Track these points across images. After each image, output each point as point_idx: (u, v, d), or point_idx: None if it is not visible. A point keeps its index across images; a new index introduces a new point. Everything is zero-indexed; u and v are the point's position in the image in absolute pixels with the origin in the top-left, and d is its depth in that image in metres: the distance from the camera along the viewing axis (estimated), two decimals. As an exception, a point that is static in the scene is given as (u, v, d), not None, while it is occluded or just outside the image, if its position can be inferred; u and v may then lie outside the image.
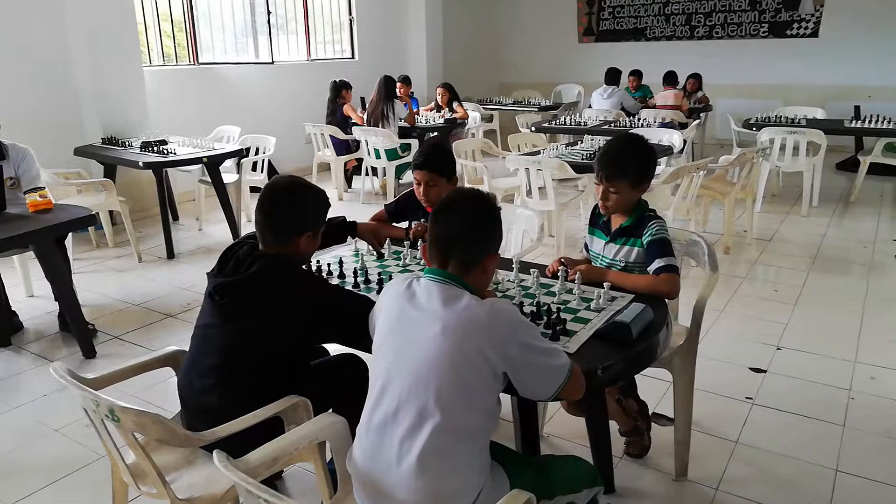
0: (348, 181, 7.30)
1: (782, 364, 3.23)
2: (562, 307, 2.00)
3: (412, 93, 8.53)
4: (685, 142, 6.40)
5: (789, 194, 6.54)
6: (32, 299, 4.22)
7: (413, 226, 2.78)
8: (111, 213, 5.20)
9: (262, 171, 5.84)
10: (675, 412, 2.41)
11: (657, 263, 2.14)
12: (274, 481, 2.18)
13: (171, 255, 5.05)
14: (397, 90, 7.03)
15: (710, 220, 5.52)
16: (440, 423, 1.39)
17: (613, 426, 2.47)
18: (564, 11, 10.76)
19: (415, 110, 7.39)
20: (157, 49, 6.76)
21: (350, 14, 8.80)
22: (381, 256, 2.54)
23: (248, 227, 5.90)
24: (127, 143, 5.37)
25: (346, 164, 7.10)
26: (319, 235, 1.93)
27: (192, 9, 6.89)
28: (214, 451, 1.33)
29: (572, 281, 2.11)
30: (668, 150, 5.42)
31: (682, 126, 6.88)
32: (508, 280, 2.25)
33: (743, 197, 5.10)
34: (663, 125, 6.45)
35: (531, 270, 2.20)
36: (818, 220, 5.78)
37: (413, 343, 1.46)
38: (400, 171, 6.74)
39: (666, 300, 2.20)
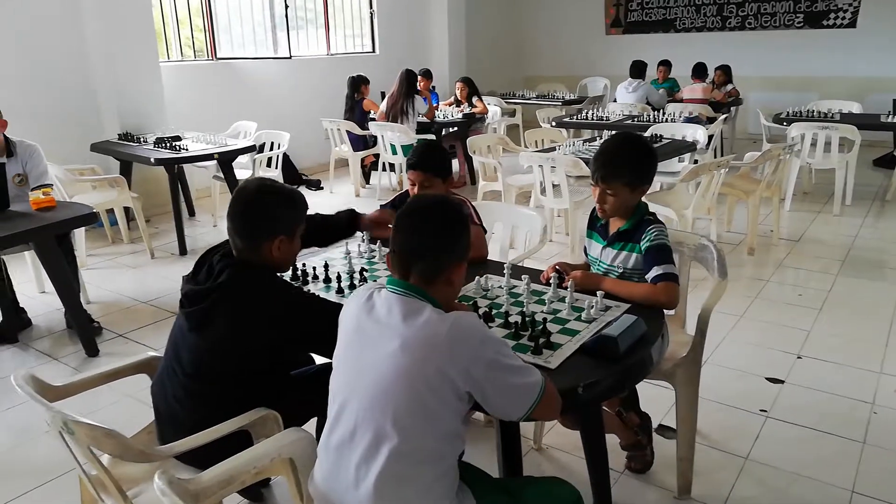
0: (366, 177, 7.24)
1: (802, 374, 3.06)
2: (550, 317, 1.89)
3: (433, 87, 8.45)
4: (711, 137, 6.18)
5: (822, 192, 6.26)
6: (44, 296, 4.24)
7: None
8: (127, 209, 5.22)
9: (276, 167, 5.80)
10: (677, 427, 2.27)
11: (655, 271, 2.02)
12: (260, 489, 2.11)
13: (183, 251, 5.04)
14: (418, 84, 6.93)
15: (735, 220, 5.31)
16: (398, 446, 1.30)
17: (614, 439, 2.36)
18: (591, 2, 10.52)
19: (434, 105, 7.29)
20: (176, 44, 6.77)
21: (371, 7, 8.72)
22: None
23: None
24: (142, 139, 5.38)
25: (363, 159, 7.03)
26: (297, 240, 1.85)
27: (211, 3, 6.88)
28: (157, 473, 1.25)
29: (566, 288, 2.00)
30: (691, 147, 5.23)
31: (711, 121, 6.65)
32: (499, 286, 2.14)
33: (769, 195, 4.88)
34: (689, 120, 6.24)
35: (522, 276, 2.09)
36: (851, 219, 5.52)
37: (370, 360, 1.37)
38: (417, 167, 6.63)
39: (665, 310, 2.09)
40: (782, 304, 3.88)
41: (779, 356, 3.23)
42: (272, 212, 1.77)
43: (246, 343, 1.69)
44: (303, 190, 7.20)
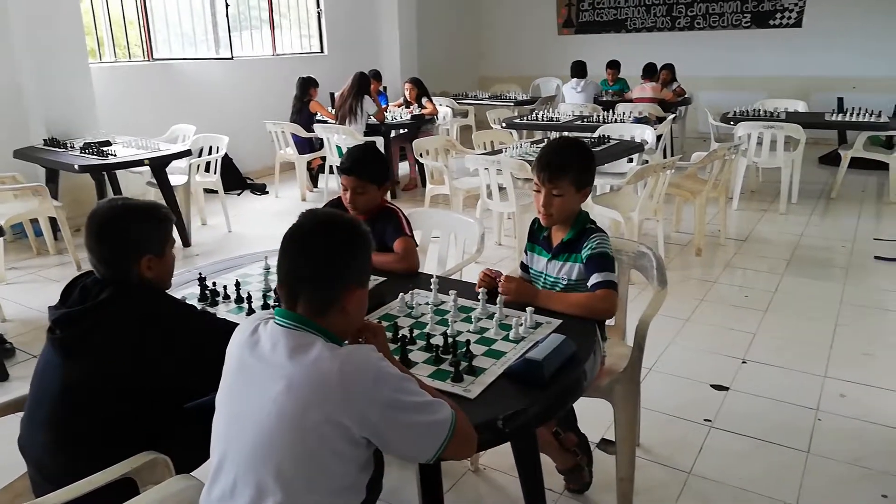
0: (313, 180, 7.04)
1: (746, 380, 3.00)
2: (476, 337, 1.76)
3: (384, 88, 8.28)
4: (660, 137, 6.17)
5: (769, 191, 6.31)
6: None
7: None
8: (53, 219, 4.92)
9: (215, 172, 5.56)
10: (616, 446, 2.17)
11: (594, 279, 1.95)
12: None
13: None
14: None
15: (683, 220, 5.29)
16: (282, 503, 1.14)
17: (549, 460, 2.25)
18: (544, 3, 10.50)
19: (384, 106, 7.12)
20: (109, 44, 6.45)
21: (318, 7, 8.50)
22: None
23: (200, 231, 5.65)
24: (69, 145, 5.08)
25: (310, 162, 6.83)
26: (168, 255, 1.69)
27: (146, 1, 6.58)
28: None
29: (496, 303, 1.87)
30: (639, 147, 5.18)
31: (660, 120, 6.64)
32: (426, 303, 2.00)
33: (716, 196, 4.86)
34: (637, 120, 6.21)
35: (450, 291, 1.95)
36: (797, 217, 5.56)
37: (253, 404, 1.21)
38: (365, 169, 6.47)
39: (604, 321, 1.99)
40: (728, 305, 3.84)
41: (724, 361, 3.17)
42: (131, 233, 1.61)
43: (131, 369, 1.52)
44: (247, 195, 7.00)
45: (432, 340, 1.70)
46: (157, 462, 1.50)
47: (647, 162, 5.35)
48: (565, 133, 5.76)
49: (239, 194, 6.98)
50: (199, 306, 1.99)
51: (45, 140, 5.25)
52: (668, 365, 3.14)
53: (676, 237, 5.11)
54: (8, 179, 4.83)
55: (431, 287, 2.02)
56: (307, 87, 6.74)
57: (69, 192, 5.39)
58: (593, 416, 2.40)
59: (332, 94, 7.24)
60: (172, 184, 5.08)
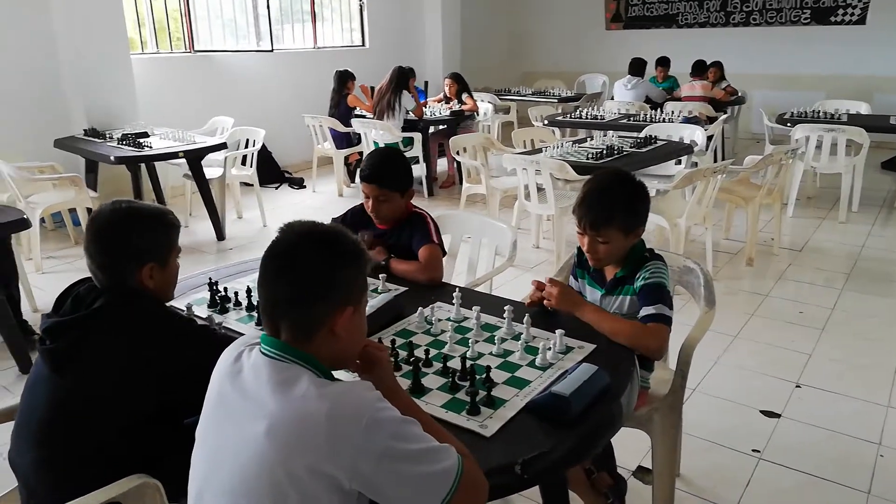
0: (351, 175, 6.94)
1: (800, 407, 2.76)
2: (499, 361, 1.59)
3: (425, 83, 8.15)
4: (711, 138, 5.87)
5: (827, 198, 5.94)
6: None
7: (363, 236, 2.40)
8: (90, 209, 4.93)
9: (251, 166, 5.51)
10: (654, 481, 1.98)
11: (645, 311, 1.74)
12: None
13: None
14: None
15: (734, 227, 5.00)
16: None
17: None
18: (592, -3, 10.20)
19: (423, 102, 6.98)
20: (151, 36, 6.47)
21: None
22: None
23: (235, 224, 5.61)
24: (107, 136, 5.09)
25: (348, 157, 6.74)
26: (172, 265, 1.57)
27: (189, -7, 6.58)
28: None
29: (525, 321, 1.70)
30: (688, 149, 4.91)
31: (711, 120, 6.33)
32: (447, 318, 1.84)
33: (770, 202, 4.57)
34: (687, 120, 5.92)
35: (473, 307, 1.79)
36: (857, 227, 5.20)
37: (231, 442, 1.07)
38: (402, 166, 6.36)
39: (651, 358, 1.78)
40: (781, 322, 3.58)
41: (775, 384, 2.93)
42: (134, 240, 1.50)
43: (122, 386, 1.41)
44: (285, 188, 6.95)
45: (449, 363, 1.55)
46: (147, 487, 1.39)
47: (696, 165, 5.09)
48: (611, 133, 5.51)
49: (277, 188, 6.95)
50: (207, 313, 1.88)
51: (85, 130, 5.28)
52: (714, 386, 2.92)
53: (726, 245, 4.83)
54: (47, 169, 4.86)
55: (454, 301, 1.86)
56: (344, 80, 6.65)
57: (107, 182, 5.41)
58: (630, 441, 2.19)
59: (371, 88, 7.14)
60: (208, 176, 5.05)
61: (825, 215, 5.52)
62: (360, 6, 8.42)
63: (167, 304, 1.63)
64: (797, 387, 2.91)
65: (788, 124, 5.82)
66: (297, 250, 1.14)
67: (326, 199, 6.53)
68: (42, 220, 4.39)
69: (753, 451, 2.47)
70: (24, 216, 3.01)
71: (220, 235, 5.16)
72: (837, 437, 2.55)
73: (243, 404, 1.09)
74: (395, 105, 6.22)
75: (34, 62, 5.33)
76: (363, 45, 8.53)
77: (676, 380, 1.94)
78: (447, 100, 7.13)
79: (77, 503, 1.32)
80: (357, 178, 6.95)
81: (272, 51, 7.38)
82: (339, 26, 8.37)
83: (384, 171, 2.28)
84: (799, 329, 3.47)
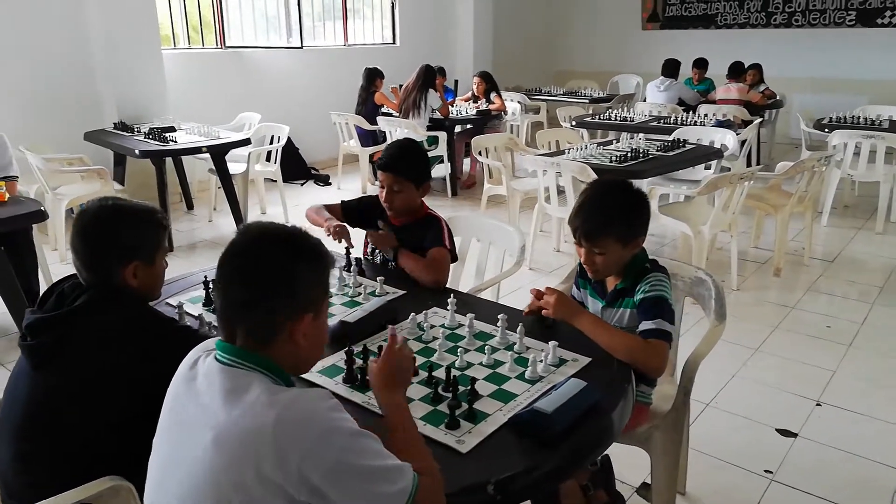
0: (375, 173, 6.91)
1: (819, 426, 2.64)
2: (488, 372, 1.54)
3: (455, 82, 8.09)
4: (744, 143, 5.70)
5: (865, 206, 5.71)
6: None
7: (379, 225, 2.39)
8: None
9: (275, 162, 5.54)
10: (653, 499, 1.90)
11: (644, 325, 1.67)
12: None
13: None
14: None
15: (764, 235, 4.84)
16: None
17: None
18: (628, -5, 10.02)
19: (450, 101, 6.94)
20: (183, 31, 6.55)
21: (393, -4, 8.40)
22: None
23: (259, 220, 5.64)
24: (136, 129, 5.16)
25: (373, 155, 6.73)
26: (158, 264, 1.56)
27: (221, -11, 6.64)
28: None
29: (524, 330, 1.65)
30: (716, 153, 4.77)
31: (747, 124, 6.15)
32: (442, 325, 1.79)
33: (802, 210, 4.40)
34: (720, 123, 5.75)
35: (468, 314, 1.74)
36: (895, 239, 4.99)
37: (182, 452, 1.05)
38: (426, 165, 6.33)
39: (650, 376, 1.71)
40: (806, 336, 3.44)
41: (794, 402, 2.81)
42: (119, 237, 1.49)
43: (101, 385, 1.40)
44: (311, 185, 6.98)
45: (435, 373, 1.50)
46: (121, 489, 1.37)
47: (728, 169, 4.95)
48: (642, 136, 5.37)
49: (302, 184, 6.98)
50: (200, 311, 1.87)
51: (114, 124, 5.37)
52: (729, 401, 2.81)
53: (755, 254, 4.68)
54: (76, 161, 4.94)
55: (448, 307, 1.81)
56: (373, 78, 6.64)
57: (135, 175, 5.50)
58: (635, 456, 2.12)
59: (400, 87, 7.12)
60: (231, 172, 5.08)
61: (861, 225, 5.31)
62: (392, 4, 8.41)
63: (153, 304, 1.62)
64: (817, 405, 2.79)
65: (826, 130, 5.62)
66: (255, 252, 1.11)
67: (350, 196, 6.49)
68: (71, 211, 4.47)
69: (766, 471, 2.37)
70: (42, 208, 3.06)
71: (243, 230, 5.19)
72: (856, 459, 2.43)
73: (195, 412, 1.07)
74: (420, 103, 6.19)
75: (68, 56, 5.43)
76: (394, 42, 8.52)
77: (679, 396, 1.86)
78: (475, 99, 7.07)
79: (48, 503, 1.32)
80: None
81: (302, 48, 7.41)
82: (371, 24, 8.37)
83: (401, 160, 2.27)
84: (824, 344, 3.34)
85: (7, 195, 3.13)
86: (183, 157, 5.54)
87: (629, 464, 2.14)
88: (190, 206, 5.96)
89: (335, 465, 0.98)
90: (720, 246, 4.60)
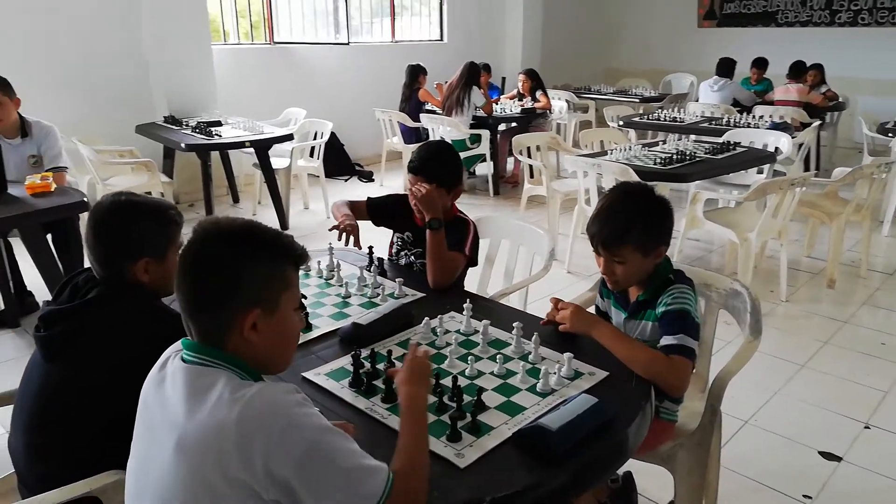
0: (418, 171, 6.91)
1: (866, 450, 2.48)
2: (498, 383, 1.48)
3: (503, 80, 8.00)
4: (801, 147, 5.45)
5: (932, 216, 5.38)
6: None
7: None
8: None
9: (318, 157, 5.58)
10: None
11: (665, 340, 1.57)
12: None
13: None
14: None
15: (818, 244, 4.60)
16: None
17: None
18: (684, -8, 9.73)
19: (494, 98, 6.86)
20: (234, 27, 6.67)
21: (442, -7, 8.36)
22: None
23: (301, 215, 5.70)
24: (184, 123, 5.28)
25: (416, 152, 6.72)
26: (170, 261, 1.56)
27: (271, -14, 6.73)
28: None
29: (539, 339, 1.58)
30: (770, 157, 4.56)
31: (805, 127, 5.88)
32: (457, 331, 1.74)
33: (859, 220, 4.17)
34: (775, 126, 5.51)
35: (483, 320, 1.68)
36: (964, 251, 4.69)
37: (151, 456, 1.03)
38: (469, 163, 6.28)
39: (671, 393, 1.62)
40: (858, 353, 3.25)
41: (841, 423, 2.65)
42: (131, 232, 1.49)
43: (109, 378, 1.40)
44: (354, 181, 7.01)
45: (443, 381, 1.45)
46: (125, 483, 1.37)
47: (782, 174, 4.73)
48: (692, 137, 5.17)
49: (346, 180, 7.02)
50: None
51: (164, 117, 5.50)
52: (770, 420, 2.67)
53: (808, 264, 4.46)
54: (126, 153, 5.08)
55: (464, 312, 1.76)
56: (416, 74, 6.62)
57: (183, 168, 5.64)
58: (663, 473, 2.03)
59: (445, 84, 7.08)
60: (275, 167, 5.15)
61: (927, 236, 5.01)
62: (441, 0, 8.37)
63: (167, 300, 1.62)
64: (866, 427, 2.62)
65: (890, 134, 5.32)
66: (200, 249, 1.09)
67: (393, 192, 6.52)
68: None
69: (804, 496, 2.24)
70: (85, 199, 3.13)
71: (284, 225, 5.25)
72: (906, 490, 2.27)
73: (162, 415, 1.05)
74: (464, 101, 6.13)
75: (123, 52, 5.59)
76: (441, 39, 8.48)
77: (706, 415, 1.76)
78: (520, 97, 6.98)
79: (54, 494, 1.33)
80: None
81: (348, 44, 7.45)
82: (419, 20, 8.35)
83: (433, 163, 2.21)
84: (877, 362, 3.14)
85: (54, 185, 3.22)
86: (229, 151, 5.64)
87: (657, 480, 2.04)
88: (236, 200, 6.06)
89: (302, 460, 0.95)
90: (770, 254, 4.41)
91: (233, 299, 1.06)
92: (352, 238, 2.20)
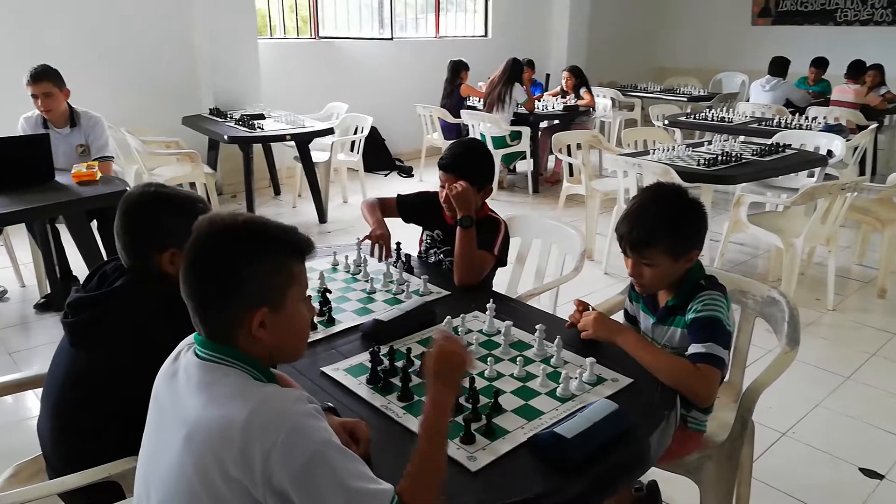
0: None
1: (912, 471, 2.36)
2: (517, 386, 1.46)
3: (548, 76, 7.90)
4: (856, 150, 5.23)
5: None
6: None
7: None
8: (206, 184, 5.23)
9: (357, 152, 5.61)
10: (701, 536, 1.75)
11: (693, 349, 1.52)
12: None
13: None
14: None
15: (870, 251, 4.41)
16: None
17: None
18: (738, -12, 9.44)
19: (537, 96, 6.79)
20: (280, 21, 6.75)
21: (486, -12, 8.30)
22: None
23: (340, 209, 5.74)
24: (228, 115, 5.37)
25: (456, 149, 6.70)
26: None
27: (317, -20, 6.79)
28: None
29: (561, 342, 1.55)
30: (822, 161, 4.39)
31: (862, 129, 5.64)
32: (480, 331, 1.71)
33: (914, 227, 3.97)
34: (829, 128, 5.29)
35: (506, 321, 1.66)
36: None
37: (161, 448, 1.04)
38: (508, 160, 6.24)
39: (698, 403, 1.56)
40: (908, 367, 3.10)
41: (884, 440, 2.53)
42: (158, 223, 1.50)
43: (135, 363, 1.43)
44: (394, 176, 7.03)
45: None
46: (142, 470, 1.40)
47: (836, 178, 4.54)
48: (740, 138, 5.00)
49: (386, 175, 7.05)
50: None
51: (210, 109, 5.61)
52: (809, 433, 2.57)
53: (858, 272, 4.28)
54: (172, 144, 5.20)
55: (487, 312, 1.73)
56: (458, 70, 6.59)
57: (227, 160, 5.74)
58: (688, 482, 1.97)
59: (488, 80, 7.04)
60: (315, 160, 5.20)
61: None
62: (486, -5, 8.32)
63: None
64: (912, 446, 2.50)
65: (953, 138, 5.06)
66: (203, 247, 1.08)
67: (431, 189, 6.52)
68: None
69: (842, 515, 2.15)
70: (127, 188, 3.21)
71: (322, 218, 5.31)
72: (953, 514, 2.16)
73: (173, 408, 1.06)
74: (505, 97, 6.08)
75: (173, 46, 5.72)
76: (486, 35, 8.43)
77: (736, 426, 1.69)
78: (564, 94, 6.88)
79: (73, 478, 1.36)
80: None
81: (392, 39, 7.47)
82: (463, 16, 8.32)
83: (464, 162, 2.19)
84: (929, 378, 2.99)
85: (99, 174, 3.31)
86: (272, 144, 5.72)
87: (684, 492, 1.98)
88: (277, 192, 6.15)
89: (302, 472, 0.93)
90: (819, 261, 4.24)
91: (237, 298, 1.06)
92: (384, 249, 2.19)
